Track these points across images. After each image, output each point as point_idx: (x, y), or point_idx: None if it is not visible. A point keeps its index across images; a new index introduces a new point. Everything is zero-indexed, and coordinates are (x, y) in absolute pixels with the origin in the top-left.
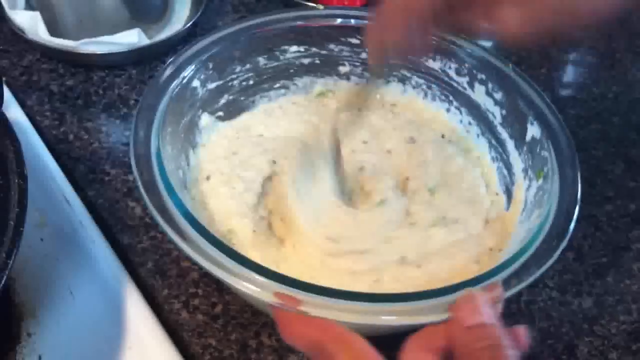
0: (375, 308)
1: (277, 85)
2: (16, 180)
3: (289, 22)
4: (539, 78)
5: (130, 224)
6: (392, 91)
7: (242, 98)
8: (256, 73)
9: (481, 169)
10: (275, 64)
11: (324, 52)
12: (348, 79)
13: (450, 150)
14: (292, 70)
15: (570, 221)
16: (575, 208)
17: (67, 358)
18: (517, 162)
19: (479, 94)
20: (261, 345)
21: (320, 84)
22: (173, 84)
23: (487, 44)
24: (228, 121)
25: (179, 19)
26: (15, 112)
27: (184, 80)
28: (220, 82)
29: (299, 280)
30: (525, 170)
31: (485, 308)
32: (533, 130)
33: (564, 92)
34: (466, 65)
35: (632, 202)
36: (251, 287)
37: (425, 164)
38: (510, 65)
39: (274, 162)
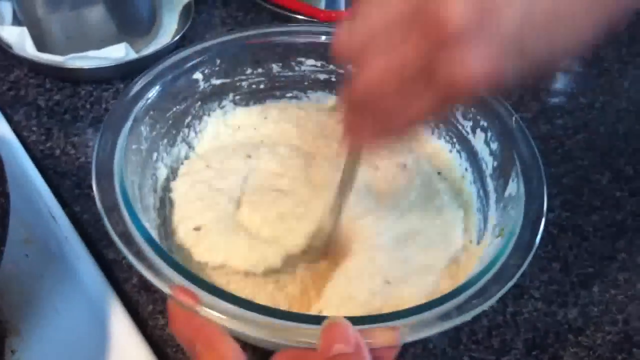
0: (261, 320)
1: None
2: None
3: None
4: (526, 87)
5: None
6: None
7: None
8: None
9: (465, 214)
10: (290, 73)
11: (340, 71)
12: None
13: (441, 186)
14: (306, 83)
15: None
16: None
17: None
18: (492, 218)
19: (478, 141)
20: None
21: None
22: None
23: None
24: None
25: (167, 32)
26: (1, 128)
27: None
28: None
29: (198, 277)
30: (493, 227)
31: (351, 338)
32: (512, 187)
33: (552, 102)
34: (472, 109)
35: (618, 212)
36: (150, 276)
37: (408, 189)
38: (514, 117)
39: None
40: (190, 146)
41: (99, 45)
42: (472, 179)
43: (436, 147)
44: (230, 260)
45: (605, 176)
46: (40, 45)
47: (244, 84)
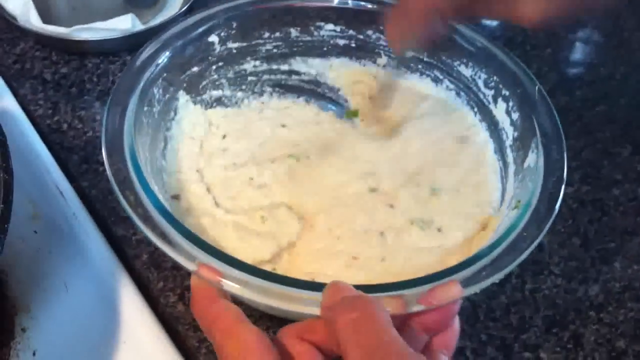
0: (285, 292)
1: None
2: (1, 175)
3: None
4: (544, 58)
5: (124, 215)
6: (426, 87)
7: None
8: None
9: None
10: (308, 38)
11: (360, 36)
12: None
13: (473, 159)
14: (325, 49)
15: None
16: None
17: (61, 353)
18: (510, 190)
19: (500, 111)
20: None
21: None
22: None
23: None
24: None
25: (174, 3)
26: (8, 101)
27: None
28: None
29: (221, 252)
30: (510, 199)
31: (354, 291)
32: (532, 158)
33: (570, 73)
34: (495, 77)
35: (639, 186)
36: (174, 254)
37: (446, 165)
38: (537, 86)
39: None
40: (206, 108)
41: (105, 17)
42: (494, 148)
43: (461, 112)
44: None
45: (626, 149)
46: (46, 17)
47: (262, 48)
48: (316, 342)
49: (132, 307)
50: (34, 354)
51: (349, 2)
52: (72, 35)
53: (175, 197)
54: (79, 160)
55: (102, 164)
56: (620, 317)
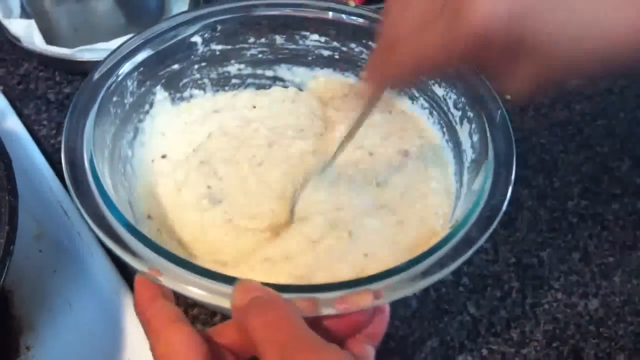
0: (217, 288)
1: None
2: (7, 198)
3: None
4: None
5: None
6: (403, 104)
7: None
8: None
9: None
10: (293, 46)
11: (344, 49)
12: None
13: (434, 174)
14: (310, 58)
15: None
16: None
17: None
18: (459, 209)
19: (464, 132)
20: None
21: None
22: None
23: None
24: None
25: None
26: (12, 122)
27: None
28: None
29: (162, 249)
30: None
31: (264, 288)
32: (479, 181)
33: (569, 87)
34: (463, 99)
35: (639, 200)
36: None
37: (398, 169)
38: (500, 110)
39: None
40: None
41: (108, 37)
42: (455, 170)
43: (431, 134)
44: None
45: (625, 163)
46: (49, 38)
47: (247, 52)
48: (226, 345)
49: (136, 326)
50: None
51: (343, 16)
52: (76, 56)
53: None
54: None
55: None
56: (620, 332)
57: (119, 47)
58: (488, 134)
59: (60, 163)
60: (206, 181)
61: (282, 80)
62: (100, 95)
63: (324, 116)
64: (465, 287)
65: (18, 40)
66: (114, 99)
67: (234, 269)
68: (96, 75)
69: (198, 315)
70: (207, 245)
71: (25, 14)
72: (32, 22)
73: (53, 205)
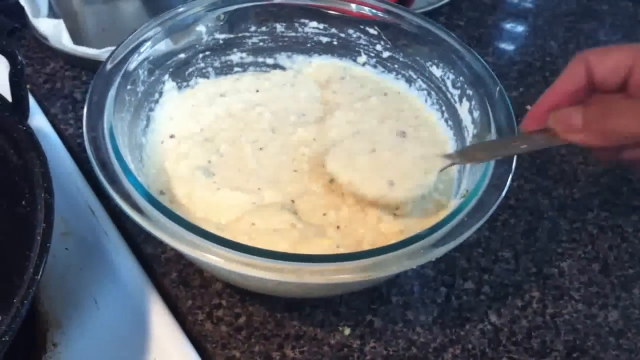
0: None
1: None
2: (42, 195)
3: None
4: None
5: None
6: (400, 85)
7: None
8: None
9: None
10: (293, 34)
11: (342, 35)
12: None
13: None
14: (309, 45)
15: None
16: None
17: None
18: (464, 182)
19: (464, 109)
20: (284, 358)
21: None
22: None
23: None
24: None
25: None
26: (39, 120)
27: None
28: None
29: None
30: (462, 190)
31: None
32: None
33: None
34: (461, 78)
35: None
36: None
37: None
38: (498, 87)
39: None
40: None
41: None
42: (456, 145)
43: (430, 114)
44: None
45: None
46: (75, 38)
47: (249, 41)
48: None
49: (161, 324)
50: None
51: (365, 8)
52: (102, 56)
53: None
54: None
55: None
56: None
57: (127, 38)
58: (489, 110)
59: (87, 162)
60: (208, 156)
61: (282, 68)
62: (116, 83)
63: (323, 99)
64: (486, 295)
65: (46, 39)
66: (128, 87)
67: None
68: (109, 65)
69: (223, 317)
70: (204, 210)
71: (52, 14)
72: (60, 22)
73: (80, 203)
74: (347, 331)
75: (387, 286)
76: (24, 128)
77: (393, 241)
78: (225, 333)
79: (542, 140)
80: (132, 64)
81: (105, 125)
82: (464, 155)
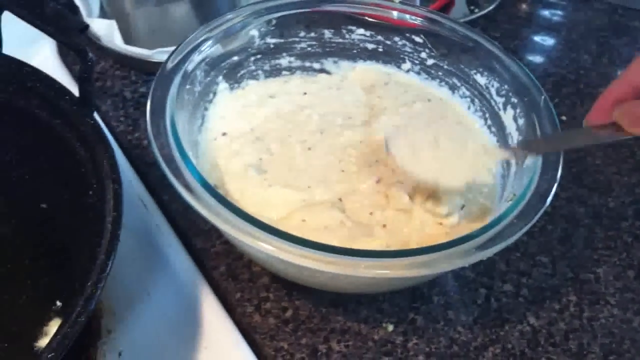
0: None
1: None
2: (112, 186)
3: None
4: (596, 96)
5: (204, 228)
6: (443, 92)
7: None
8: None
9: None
10: (340, 40)
11: (388, 42)
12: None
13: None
14: (355, 51)
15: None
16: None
17: (146, 355)
18: (509, 186)
19: (507, 117)
20: (331, 351)
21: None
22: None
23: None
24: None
25: None
26: None
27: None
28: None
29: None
30: (508, 194)
31: None
32: (530, 159)
33: None
34: (505, 86)
35: None
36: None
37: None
38: (543, 96)
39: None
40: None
41: (180, 41)
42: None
43: (472, 121)
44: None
45: None
46: (126, 38)
47: (297, 46)
48: None
49: (212, 315)
50: (119, 354)
51: (389, 11)
52: (154, 57)
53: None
54: (159, 175)
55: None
56: None
57: (186, 40)
58: (534, 117)
59: (138, 158)
60: (259, 154)
61: (327, 72)
62: (176, 83)
63: (368, 103)
64: (524, 298)
65: (98, 38)
66: (187, 86)
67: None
68: (169, 65)
69: (270, 309)
70: (256, 206)
71: (103, 14)
72: (113, 22)
73: (132, 198)
74: (390, 328)
75: (428, 286)
76: (92, 122)
77: (438, 242)
78: (273, 325)
79: (607, 133)
80: (191, 65)
81: (168, 122)
82: (526, 146)
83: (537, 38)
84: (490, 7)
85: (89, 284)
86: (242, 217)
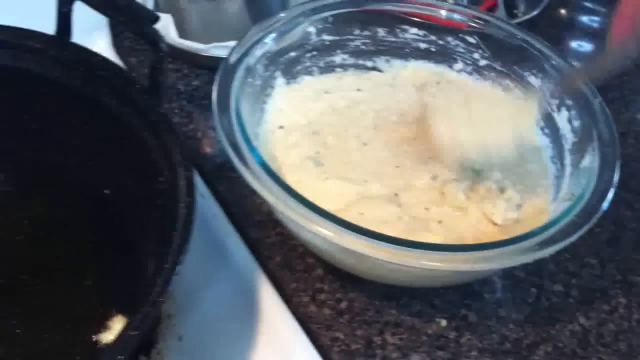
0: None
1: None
2: (184, 172)
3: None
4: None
5: (258, 219)
6: (495, 92)
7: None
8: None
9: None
10: (393, 39)
11: (441, 42)
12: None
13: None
14: (407, 50)
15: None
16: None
17: (205, 340)
18: (565, 187)
19: (561, 118)
20: (385, 343)
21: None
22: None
23: None
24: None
25: None
26: None
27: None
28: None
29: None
30: (564, 194)
31: None
32: (587, 160)
33: None
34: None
35: None
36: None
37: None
38: (598, 99)
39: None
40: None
41: (232, 36)
42: (553, 154)
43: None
44: None
45: None
46: (179, 32)
47: (351, 44)
48: None
49: (269, 303)
50: (179, 338)
51: (442, 12)
52: (209, 51)
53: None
54: (214, 166)
55: (236, 171)
56: None
57: (247, 35)
58: (590, 119)
59: (193, 150)
60: (315, 147)
61: (379, 70)
62: (239, 76)
63: (420, 101)
64: (574, 298)
65: None
66: (249, 79)
67: None
68: (233, 58)
69: (325, 300)
70: (314, 197)
71: (157, 8)
72: (168, 17)
73: None
74: (443, 323)
75: (479, 284)
76: (162, 111)
77: (493, 240)
78: (328, 316)
79: (632, 46)
80: (252, 59)
81: (233, 113)
82: (560, 85)
83: (580, 43)
84: (534, 12)
85: (165, 265)
86: (318, 212)
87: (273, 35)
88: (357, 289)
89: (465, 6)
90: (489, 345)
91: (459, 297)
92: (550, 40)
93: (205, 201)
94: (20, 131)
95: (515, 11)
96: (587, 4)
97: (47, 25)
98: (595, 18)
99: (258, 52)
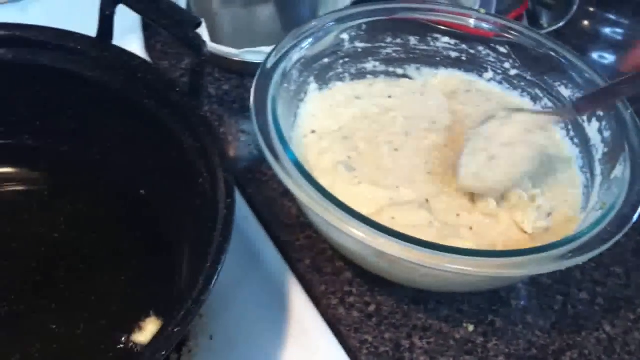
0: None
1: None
2: (223, 175)
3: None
4: None
5: (288, 222)
6: (525, 102)
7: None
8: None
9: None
10: (425, 47)
11: (472, 51)
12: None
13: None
14: (438, 59)
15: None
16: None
17: (236, 340)
18: (594, 196)
19: (592, 129)
20: (413, 346)
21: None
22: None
23: None
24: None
25: None
26: None
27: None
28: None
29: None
30: (595, 204)
31: None
32: (619, 170)
33: None
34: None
35: None
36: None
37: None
38: (629, 110)
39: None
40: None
41: (263, 42)
42: (582, 164)
43: (554, 132)
44: None
45: None
46: (212, 37)
47: (383, 51)
48: None
49: (299, 305)
50: (210, 337)
51: (473, 21)
52: (241, 56)
53: None
54: (244, 169)
55: (265, 174)
56: None
57: (284, 40)
58: (621, 130)
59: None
60: (347, 152)
61: (409, 78)
62: (275, 81)
63: (451, 109)
64: (600, 306)
65: None
66: (284, 85)
67: None
68: (269, 63)
69: (354, 303)
70: (346, 201)
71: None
72: (201, 21)
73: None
74: (470, 328)
75: (505, 290)
76: (201, 113)
77: (526, 247)
78: (357, 318)
79: None
80: (289, 65)
81: (270, 116)
82: (575, 107)
83: (604, 54)
84: (560, 24)
85: (207, 265)
86: (353, 215)
87: (309, 40)
88: (385, 293)
89: (494, 15)
90: (515, 351)
91: (486, 303)
92: (576, 51)
93: (237, 205)
94: (60, 131)
95: (541, 22)
96: (611, 16)
97: (89, 28)
98: (619, 30)
99: (294, 57)
